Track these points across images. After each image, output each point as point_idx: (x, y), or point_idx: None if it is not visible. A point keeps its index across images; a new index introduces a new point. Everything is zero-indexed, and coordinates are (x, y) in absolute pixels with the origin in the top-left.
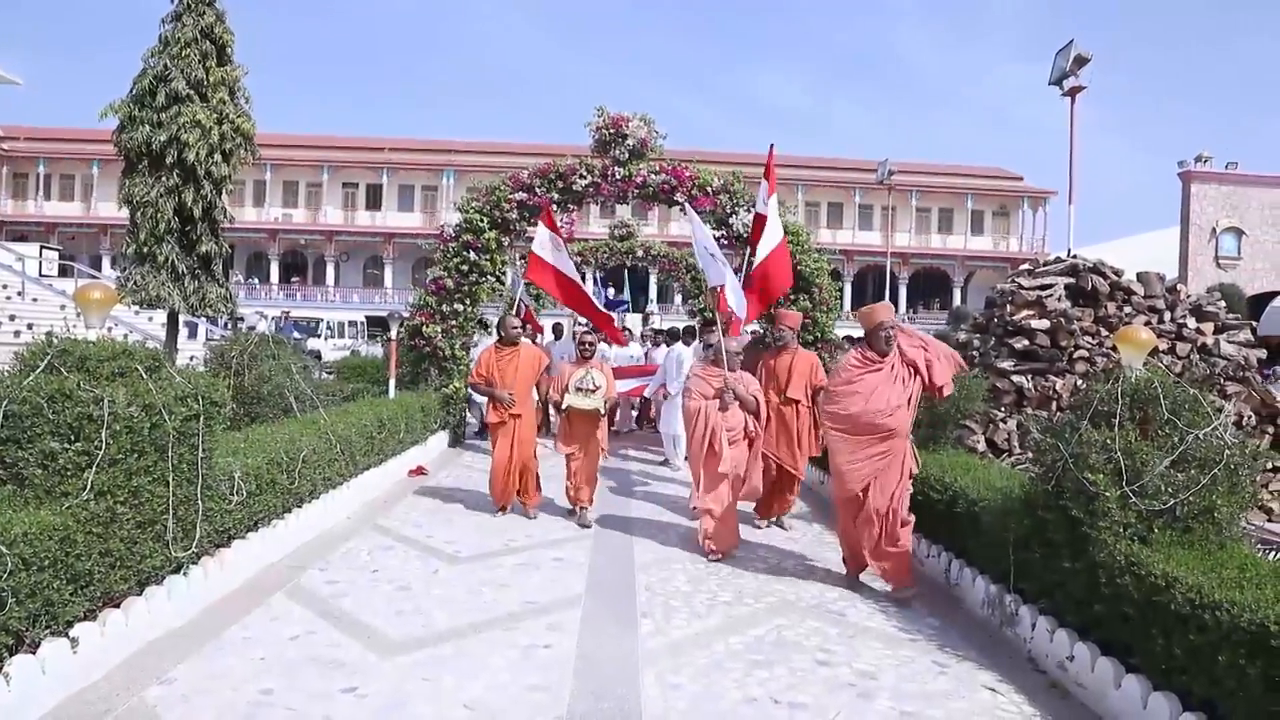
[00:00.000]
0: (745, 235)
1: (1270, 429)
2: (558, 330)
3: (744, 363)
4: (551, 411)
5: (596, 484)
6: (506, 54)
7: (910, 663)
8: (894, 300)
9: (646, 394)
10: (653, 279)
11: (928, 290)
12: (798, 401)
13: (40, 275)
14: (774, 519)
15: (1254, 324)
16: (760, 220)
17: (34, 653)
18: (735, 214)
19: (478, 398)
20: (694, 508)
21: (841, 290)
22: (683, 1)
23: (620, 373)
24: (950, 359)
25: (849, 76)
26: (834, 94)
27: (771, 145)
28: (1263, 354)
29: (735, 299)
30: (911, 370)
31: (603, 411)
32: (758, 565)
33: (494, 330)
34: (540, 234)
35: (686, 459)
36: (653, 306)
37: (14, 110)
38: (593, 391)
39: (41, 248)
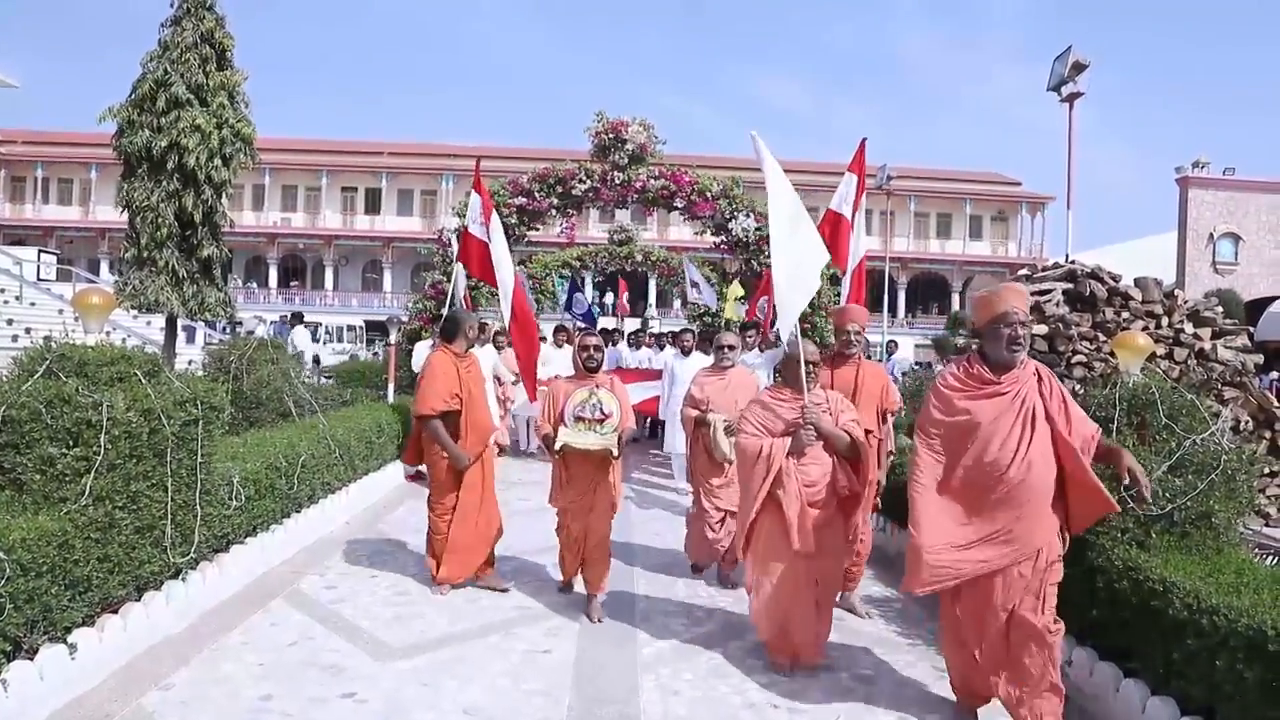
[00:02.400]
0: (745, 240)
1: (1267, 434)
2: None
3: (785, 377)
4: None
5: (610, 559)
6: (506, 57)
7: (910, 667)
8: (892, 305)
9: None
10: (652, 284)
11: (926, 295)
12: (868, 433)
13: (39, 279)
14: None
15: (1251, 329)
16: (835, 220)
17: (32, 659)
18: (734, 219)
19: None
20: (748, 589)
21: (840, 295)
22: (682, 5)
23: (624, 378)
24: (1089, 446)
25: (848, 80)
26: (833, 98)
27: (864, 140)
28: (1260, 359)
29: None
30: (1039, 410)
31: (615, 453)
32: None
33: (446, 333)
34: (473, 204)
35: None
36: (652, 311)
37: (12, 113)
38: (600, 422)
39: (40, 252)
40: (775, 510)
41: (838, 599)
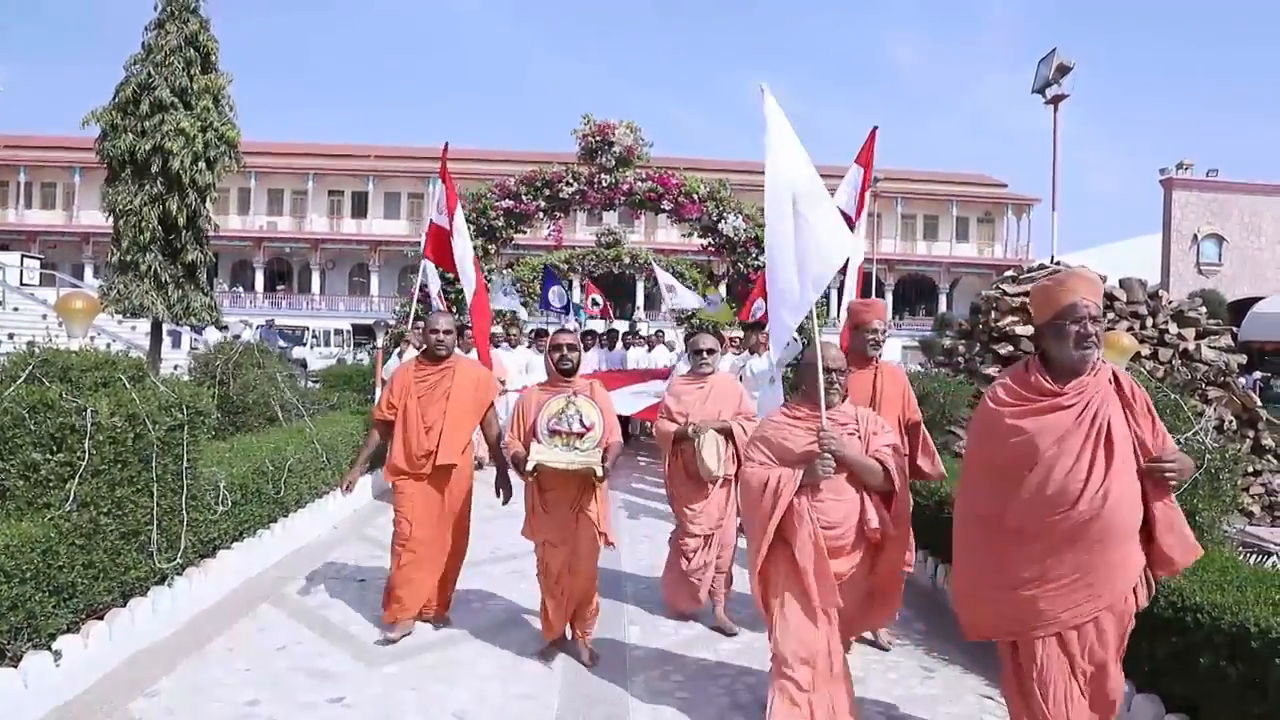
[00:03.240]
0: (734, 240)
1: (1250, 433)
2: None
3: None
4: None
5: (596, 601)
6: (493, 61)
7: (897, 667)
8: None
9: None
10: (640, 286)
11: (913, 297)
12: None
13: (21, 284)
14: (870, 636)
15: (1235, 329)
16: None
17: (16, 666)
18: (723, 220)
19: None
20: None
21: (827, 298)
22: (670, 8)
23: (618, 379)
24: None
25: (837, 83)
26: (822, 101)
27: (874, 129)
28: (1243, 359)
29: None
30: (1110, 428)
31: (599, 473)
32: None
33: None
34: (437, 193)
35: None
36: (640, 314)
37: None
38: (579, 436)
39: (23, 256)
40: (782, 560)
41: (868, 637)
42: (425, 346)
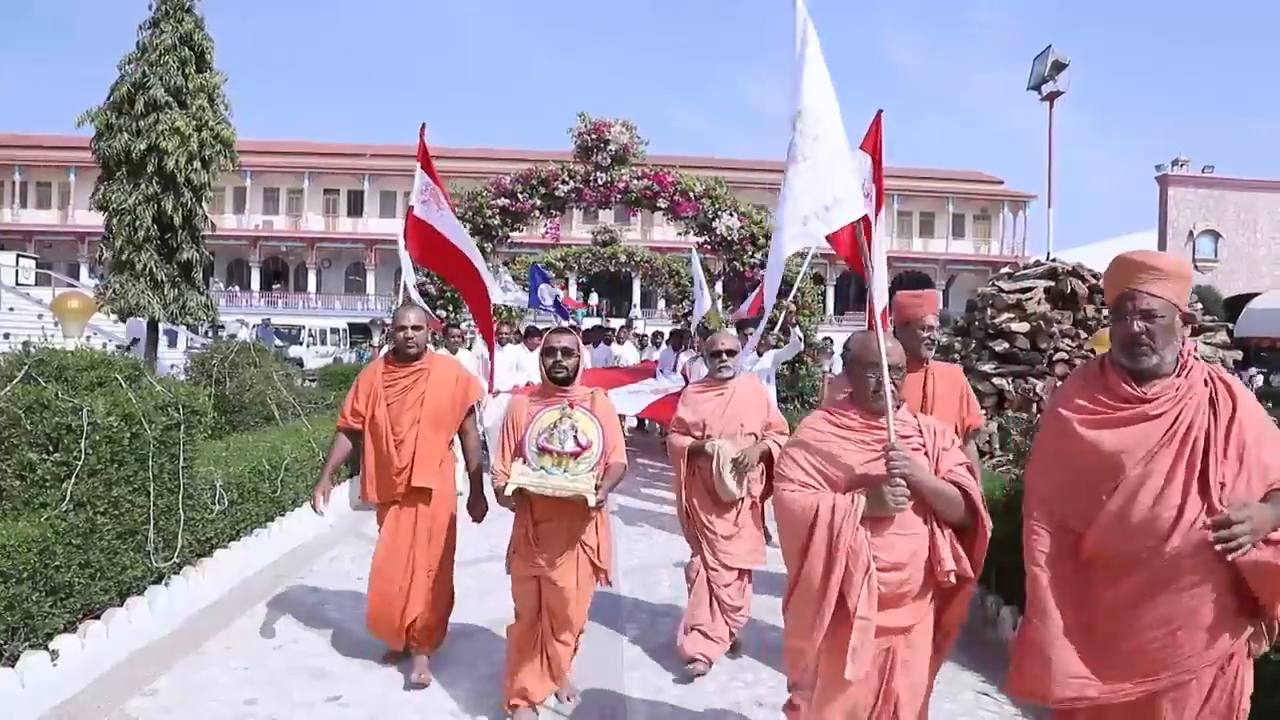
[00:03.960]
0: (729, 239)
1: None
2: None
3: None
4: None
5: (578, 641)
6: (491, 59)
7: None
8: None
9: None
10: (636, 284)
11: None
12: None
13: (17, 284)
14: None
15: (1231, 325)
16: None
17: (13, 666)
18: (718, 218)
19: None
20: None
21: (824, 294)
22: (667, 6)
23: (615, 379)
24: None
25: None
26: None
27: (880, 113)
28: (1239, 355)
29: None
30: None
31: (592, 501)
32: None
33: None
34: (417, 181)
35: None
36: (636, 312)
37: None
38: (574, 456)
39: (18, 256)
40: (826, 609)
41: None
42: (394, 345)
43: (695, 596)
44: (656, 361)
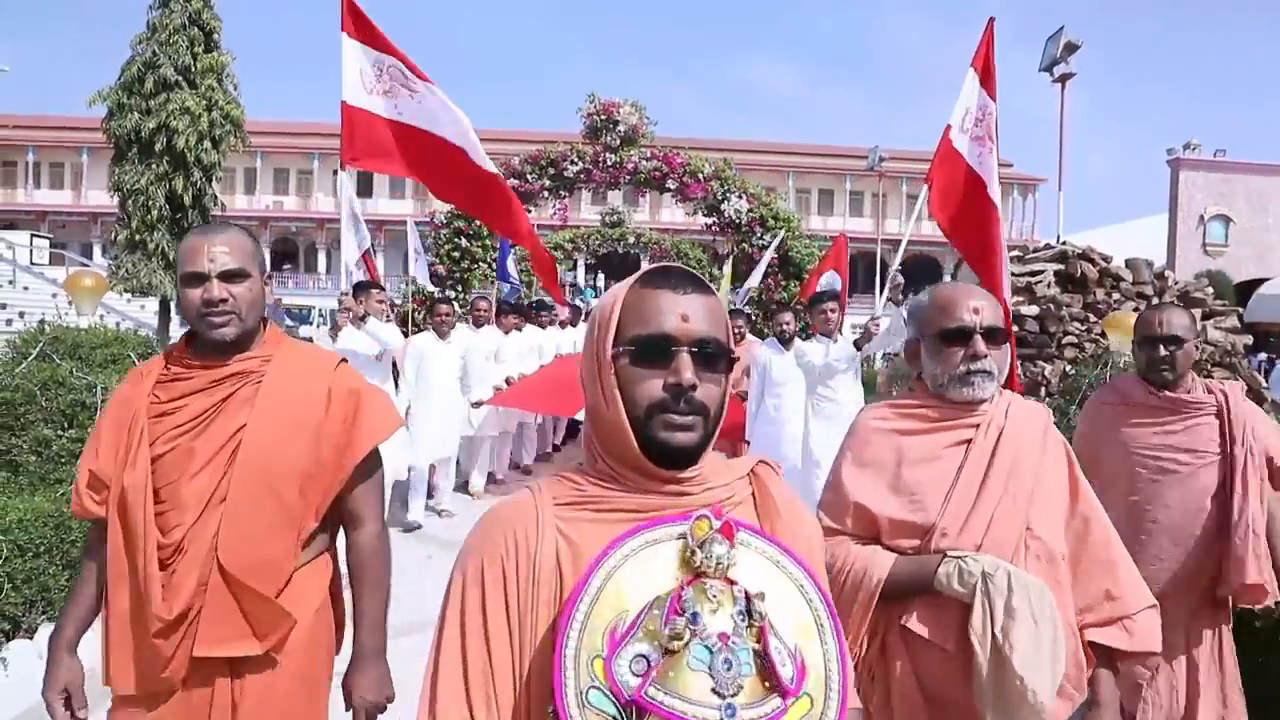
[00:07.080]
0: (737, 221)
1: None
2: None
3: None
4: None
5: None
6: (497, 39)
7: None
8: (884, 287)
9: None
10: (644, 266)
11: (919, 277)
12: None
13: (31, 263)
14: None
15: (1241, 310)
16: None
17: (31, 638)
18: (726, 200)
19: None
20: None
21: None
22: None
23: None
24: None
25: (841, 62)
26: (825, 81)
27: (991, 20)
28: (1249, 340)
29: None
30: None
31: None
32: None
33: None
34: (348, 58)
35: None
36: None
37: (2, 97)
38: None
39: (32, 236)
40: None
41: None
42: (189, 327)
43: None
44: None
